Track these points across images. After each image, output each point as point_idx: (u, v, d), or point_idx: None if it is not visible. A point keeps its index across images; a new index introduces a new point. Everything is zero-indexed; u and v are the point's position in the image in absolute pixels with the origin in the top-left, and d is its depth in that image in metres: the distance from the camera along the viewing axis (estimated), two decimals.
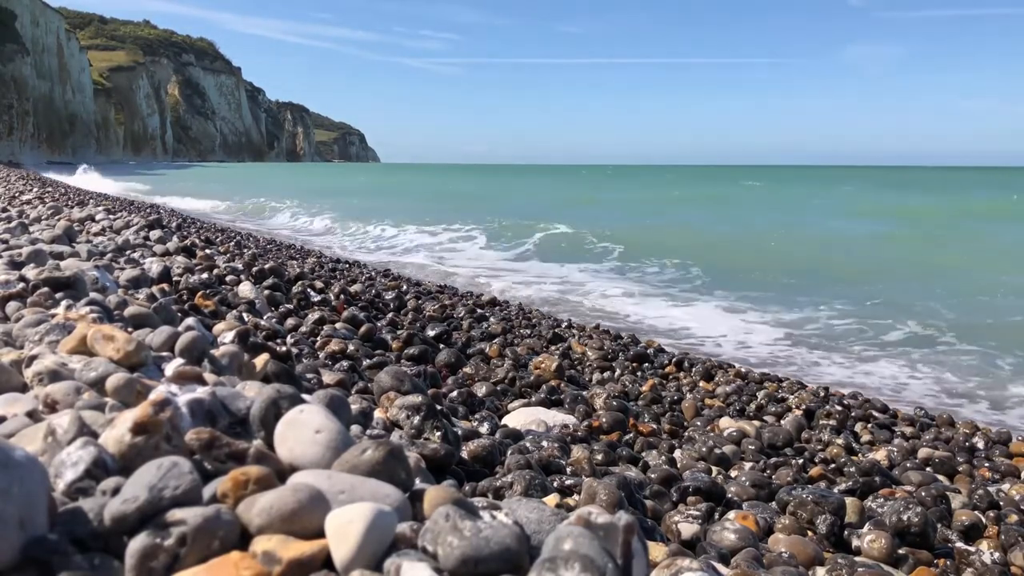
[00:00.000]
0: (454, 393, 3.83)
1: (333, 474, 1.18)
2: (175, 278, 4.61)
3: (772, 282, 12.65)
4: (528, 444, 2.96)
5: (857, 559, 2.60)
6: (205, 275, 4.95)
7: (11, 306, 2.62)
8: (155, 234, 6.83)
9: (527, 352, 5.78)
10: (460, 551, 0.98)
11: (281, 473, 1.21)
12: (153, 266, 4.50)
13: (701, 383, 5.71)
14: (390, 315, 6.39)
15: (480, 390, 4.22)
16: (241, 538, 1.03)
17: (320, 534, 1.02)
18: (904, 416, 5.34)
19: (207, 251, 6.60)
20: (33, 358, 1.84)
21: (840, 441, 4.42)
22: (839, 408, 5.01)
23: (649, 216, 27.43)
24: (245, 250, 8.92)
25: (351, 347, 4.27)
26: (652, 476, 3.09)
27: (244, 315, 4.24)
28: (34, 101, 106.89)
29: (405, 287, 8.67)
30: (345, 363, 3.92)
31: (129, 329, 2.39)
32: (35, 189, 16.60)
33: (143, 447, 1.20)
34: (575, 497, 2.35)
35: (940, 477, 4.01)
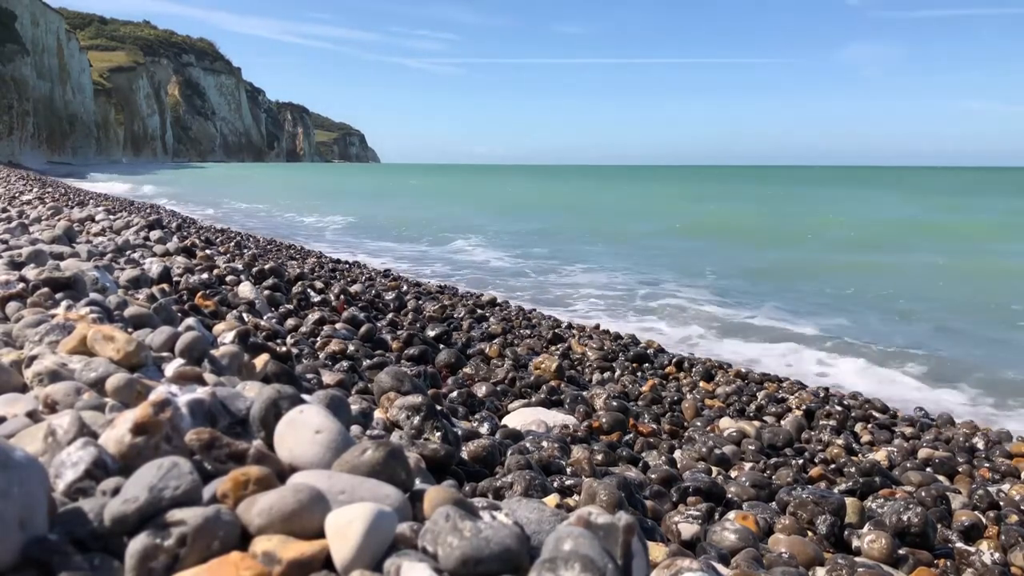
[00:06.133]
0: (454, 393, 3.83)
1: (333, 474, 1.18)
2: (175, 278, 4.61)
3: None
4: (528, 444, 2.95)
5: (857, 559, 2.60)
6: (205, 275, 4.95)
7: (11, 306, 2.62)
8: (155, 234, 6.83)
9: (527, 352, 5.78)
10: (460, 551, 0.98)
11: (281, 473, 1.21)
12: (153, 266, 4.49)
13: (701, 383, 5.71)
14: (390, 315, 6.39)
15: (480, 390, 4.22)
16: (241, 538, 1.03)
17: (320, 534, 1.02)
18: (904, 416, 5.34)
19: (207, 251, 6.60)
20: (33, 358, 1.83)
21: (840, 441, 4.42)
22: (839, 408, 5.01)
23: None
24: (245, 250, 8.92)
25: (351, 347, 4.26)
26: (652, 476, 3.09)
27: (244, 315, 4.23)
28: (34, 101, 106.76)
29: (405, 287, 8.68)
30: (345, 363, 3.92)
31: (129, 329, 2.39)
32: (35, 189, 16.60)
33: (143, 447, 1.20)
34: (575, 497, 2.35)
35: (940, 477, 4.00)
